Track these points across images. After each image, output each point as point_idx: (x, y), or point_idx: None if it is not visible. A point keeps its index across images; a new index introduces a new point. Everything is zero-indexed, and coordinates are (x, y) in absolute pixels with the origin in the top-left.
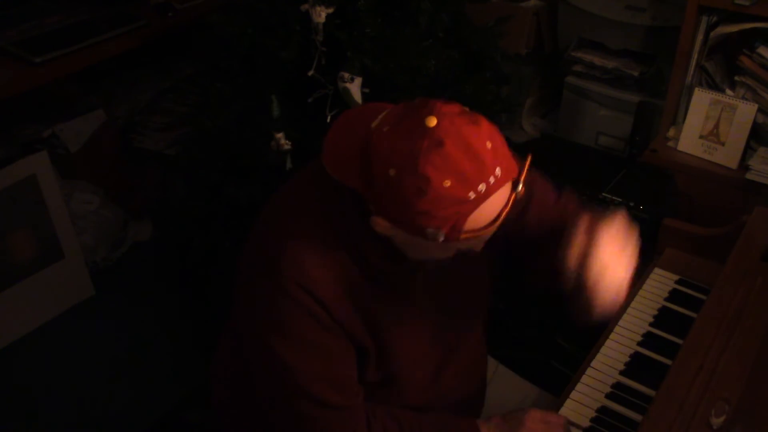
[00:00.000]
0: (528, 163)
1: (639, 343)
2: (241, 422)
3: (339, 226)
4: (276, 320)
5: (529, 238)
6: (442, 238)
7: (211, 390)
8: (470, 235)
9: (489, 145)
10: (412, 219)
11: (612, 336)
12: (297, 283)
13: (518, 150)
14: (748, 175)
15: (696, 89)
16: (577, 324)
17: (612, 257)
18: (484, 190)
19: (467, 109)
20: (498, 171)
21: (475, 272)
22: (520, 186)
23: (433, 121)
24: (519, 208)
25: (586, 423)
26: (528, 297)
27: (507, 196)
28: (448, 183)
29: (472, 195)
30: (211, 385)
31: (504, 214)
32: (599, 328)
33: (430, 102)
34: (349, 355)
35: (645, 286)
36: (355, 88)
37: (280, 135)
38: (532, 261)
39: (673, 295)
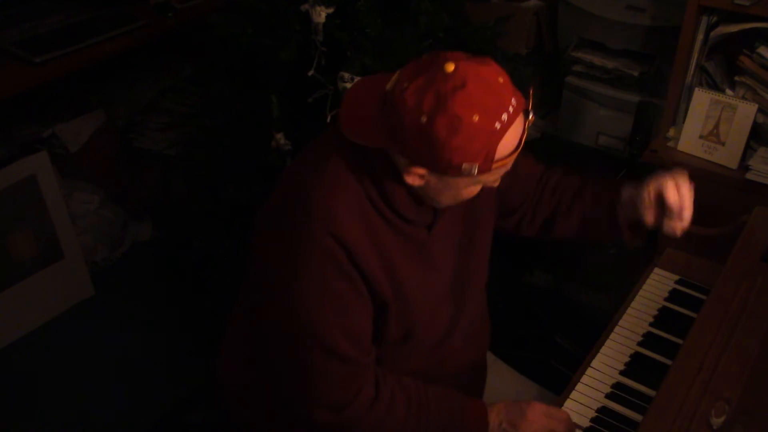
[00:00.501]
0: (532, 93)
1: (639, 343)
2: (252, 419)
3: (366, 178)
4: (300, 265)
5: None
6: (476, 171)
7: (219, 386)
8: (499, 164)
9: (501, 80)
10: (448, 159)
11: (612, 336)
12: (326, 229)
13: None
14: (748, 175)
15: (696, 89)
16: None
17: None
18: (506, 119)
19: (470, 54)
20: (513, 101)
21: (480, 238)
22: (531, 115)
23: (451, 67)
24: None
25: (586, 423)
26: (527, 295)
27: (523, 124)
28: (476, 118)
29: (497, 125)
30: (218, 381)
31: (523, 140)
32: (599, 327)
33: (441, 53)
34: (366, 310)
35: (645, 286)
36: None
37: (280, 135)
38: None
39: (673, 295)
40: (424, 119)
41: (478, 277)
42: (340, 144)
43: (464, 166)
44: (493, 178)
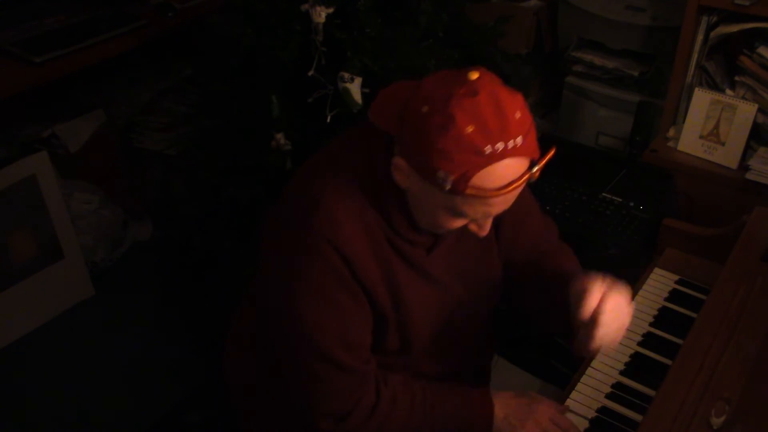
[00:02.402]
0: (551, 154)
1: (639, 343)
2: (259, 418)
3: (370, 191)
4: (302, 275)
5: (517, 264)
6: (448, 186)
7: (226, 385)
8: (474, 192)
9: (518, 115)
10: (428, 156)
11: None
12: (327, 240)
13: None
14: (748, 175)
15: (696, 89)
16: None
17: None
18: (500, 150)
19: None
20: (519, 140)
21: (488, 260)
22: (536, 169)
23: (475, 75)
24: (512, 229)
25: (585, 423)
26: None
27: (521, 171)
28: (470, 129)
29: (488, 149)
30: (224, 380)
31: (513, 187)
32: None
33: (480, 67)
34: (366, 321)
35: (645, 286)
36: (355, 88)
37: (280, 135)
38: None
39: (673, 295)
40: (425, 109)
41: (482, 299)
42: (352, 148)
43: (439, 172)
44: (471, 212)
